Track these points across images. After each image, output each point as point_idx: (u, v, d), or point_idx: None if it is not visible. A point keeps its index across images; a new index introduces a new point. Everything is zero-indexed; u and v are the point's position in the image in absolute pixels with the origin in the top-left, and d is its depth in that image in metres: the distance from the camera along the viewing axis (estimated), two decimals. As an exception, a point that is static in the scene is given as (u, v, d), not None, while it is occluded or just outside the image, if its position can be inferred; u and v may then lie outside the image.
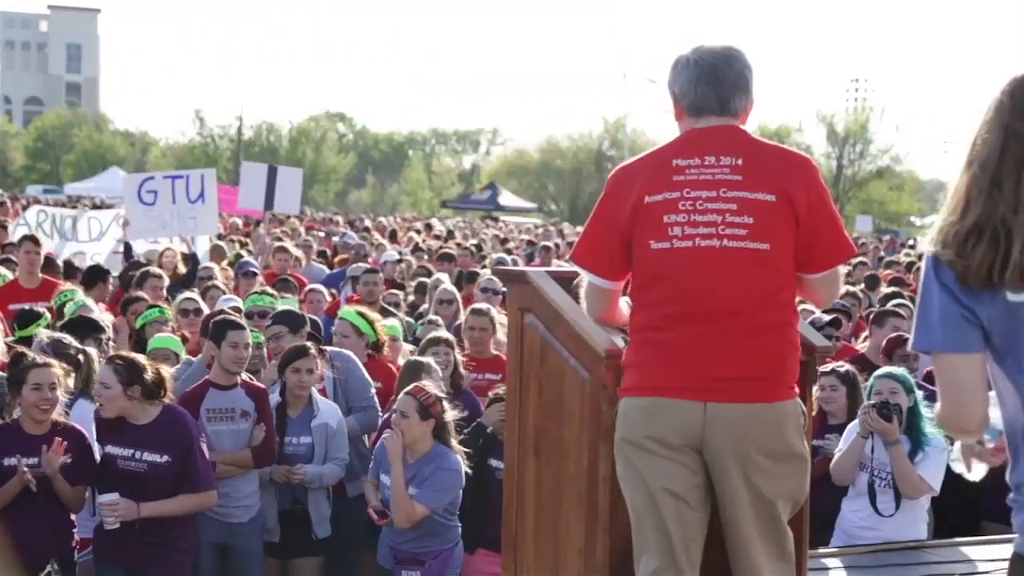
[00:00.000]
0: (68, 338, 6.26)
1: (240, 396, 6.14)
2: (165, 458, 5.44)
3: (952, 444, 3.05)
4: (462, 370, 7.01)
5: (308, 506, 6.29)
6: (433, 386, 5.90)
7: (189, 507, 5.56)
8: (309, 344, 6.47)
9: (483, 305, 8.05)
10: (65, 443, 5.38)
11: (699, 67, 3.69)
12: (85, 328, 6.76)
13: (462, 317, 9.59)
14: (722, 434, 3.56)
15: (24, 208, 20.31)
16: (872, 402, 5.82)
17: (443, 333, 7.45)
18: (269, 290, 8.98)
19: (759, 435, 3.57)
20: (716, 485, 3.64)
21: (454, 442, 5.74)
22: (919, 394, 5.90)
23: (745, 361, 3.56)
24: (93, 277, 10.09)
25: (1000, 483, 7.62)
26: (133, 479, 5.45)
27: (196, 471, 5.51)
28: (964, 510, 7.11)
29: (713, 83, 3.68)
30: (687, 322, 3.58)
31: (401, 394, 5.83)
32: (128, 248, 12.49)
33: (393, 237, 22.22)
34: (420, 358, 6.69)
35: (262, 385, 6.39)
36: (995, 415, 2.70)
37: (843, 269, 3.94)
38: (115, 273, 11.31)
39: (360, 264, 12.29)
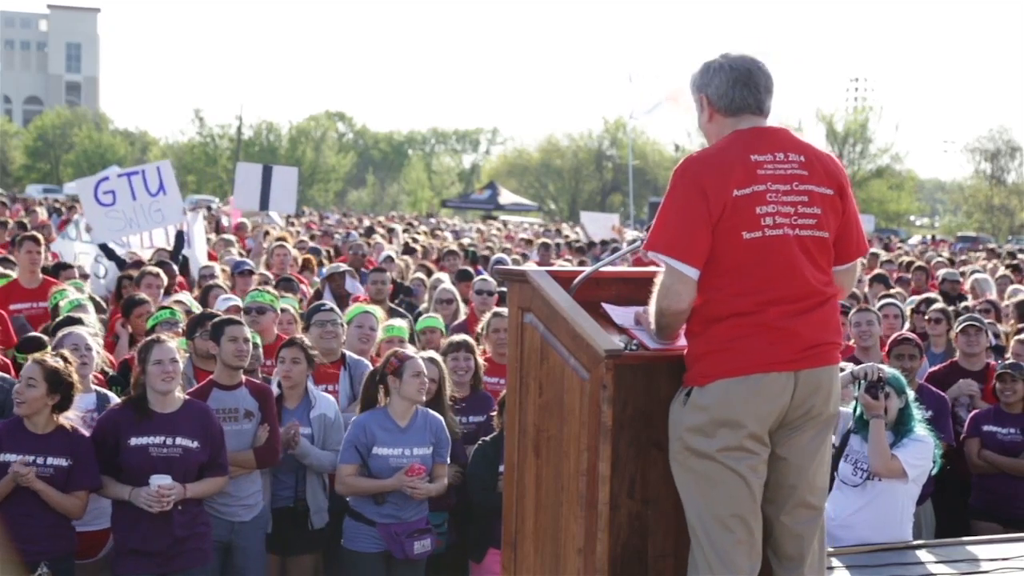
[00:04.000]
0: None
1: (244, 396, 6.16)
2: (196, 444, 5.66)
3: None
4: (482, 374, 7.04)
5: (307, 500, 6.37)
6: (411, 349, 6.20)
7: (217, 488, 5.83)
8: (299, 337, 6.53)
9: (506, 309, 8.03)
10: (28, 462, 5.42)
11: (734, 70, 3.90)
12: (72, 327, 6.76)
13: (461, 317, 9.61)
14: (807, 396, 3.81)
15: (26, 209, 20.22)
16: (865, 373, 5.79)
17: (463, 337, 7.34)
18: (270, 288, 8.96)
19: (831, 393, 3.90)
20: (783, 450, 3.85)
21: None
22: (911, 394, 5.90)
23: (823, 329, 3.87)
24: (57, 270, 10.23)
25: (986, 482, 7.63)
26: (167, 464, 5.57)
27: (225, 457, 5.81)
28: (958, 508, 7.12)
29: (750, 85, 3.91)
30: (780, 303, 3.79)
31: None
32: (106, 249, 12.17)
33: (370, 233, 22.05)
34: None
35: (267, 385, 6.41)
36: None
37: (860, 263, 4.19)
38: (99, 274, 11.42)
39: (336, 264, 12.14)
